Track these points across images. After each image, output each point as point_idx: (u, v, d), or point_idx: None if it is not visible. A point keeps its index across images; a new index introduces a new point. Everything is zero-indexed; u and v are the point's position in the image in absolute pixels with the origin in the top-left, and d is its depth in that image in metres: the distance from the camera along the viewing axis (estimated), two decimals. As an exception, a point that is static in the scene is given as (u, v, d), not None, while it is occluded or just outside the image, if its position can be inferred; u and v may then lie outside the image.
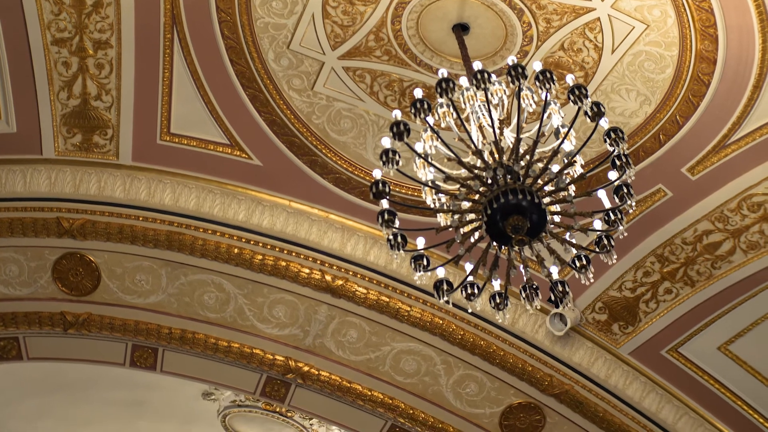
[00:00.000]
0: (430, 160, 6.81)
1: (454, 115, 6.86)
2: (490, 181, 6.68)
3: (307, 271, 10.52)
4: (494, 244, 6.84)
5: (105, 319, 11.02)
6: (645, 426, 11.20)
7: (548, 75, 6.60)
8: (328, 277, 10.54)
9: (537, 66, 6.73)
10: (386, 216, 6.75)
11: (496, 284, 7.06)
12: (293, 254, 10.47)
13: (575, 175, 6.85)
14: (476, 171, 6.73)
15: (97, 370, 12.05)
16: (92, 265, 10.73)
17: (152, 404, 13.29)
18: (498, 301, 6.96)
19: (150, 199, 10.35)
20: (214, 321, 11.08)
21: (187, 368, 11.57)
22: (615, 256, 6.92)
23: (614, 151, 6.55)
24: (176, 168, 10.28)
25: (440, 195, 6.96)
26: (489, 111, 6.71)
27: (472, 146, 6.81)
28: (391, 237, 6.78)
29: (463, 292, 7.00)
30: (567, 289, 6.89)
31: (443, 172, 6.80)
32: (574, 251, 6.85)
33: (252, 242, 10.44)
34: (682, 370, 11.04)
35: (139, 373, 11.86)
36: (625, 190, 6.62)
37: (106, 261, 10.73)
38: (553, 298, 6.99)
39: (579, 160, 6.81)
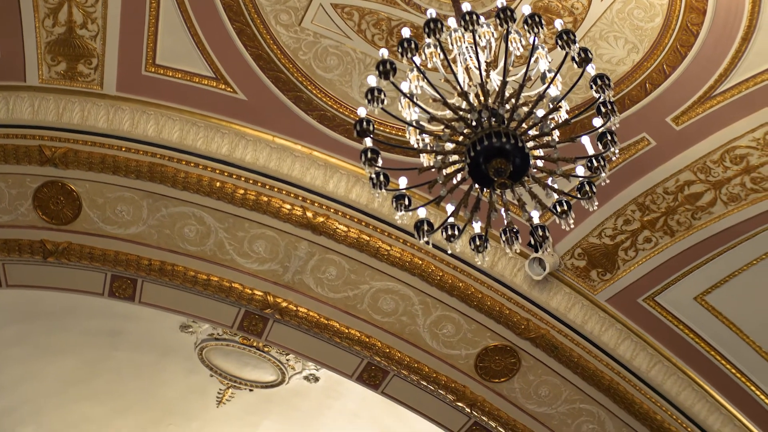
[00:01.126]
0: (415, 100, 6.78)
1: (441, 56, 6.81)
2: (474, 124, 6.65)
3: (288, 206, 10.51)
4: (476, 186, 6.84)
5: (85, 248, 11.01)
6: (619, 372, 11.28)
7: (537, 19, 6.55)
8: (309, 214, 10.54)
9: (526, 10, 6.67)
10: (369, 154, 6.73)
11: (477, 226, 7.06)
12: (275, 190, 10.45)
13: (560, 121, 6.84)
14: (461, 113, 6.70)
15: (75, 299, 12.05)
16: (73, 194, 10.70)
17: (130, 335, 13.32)
18: (478, 243, 6.96)
19: (133, 130, 10.30)
20: (194, 254, 11.08)
21: (165, 300, 11.59)
22: (596, 203, 6.93)
23: (600, 97, 6.53)
24: (160, 99, 10.23)
25: (424, 135, 6.94)
26: (476, 53, 6.67)
27: (458, 88, 6.78)
28: (373, 175, 6.76)
29: (444, 233, 7.00)
30: (547, 234, 6.91)
31: (428, 112, 6.77)
32: (556, 196, 6.85)
33: (234, 176, 10.41)
34: (657, 318, 11.11)
35: (118, 304, 11.88)
36: (609, 138, 6.61)
37: (87, 191, 10.69)
38: (532, 242, 7.01)
39: (564, 105, 6.78)
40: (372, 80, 6.70)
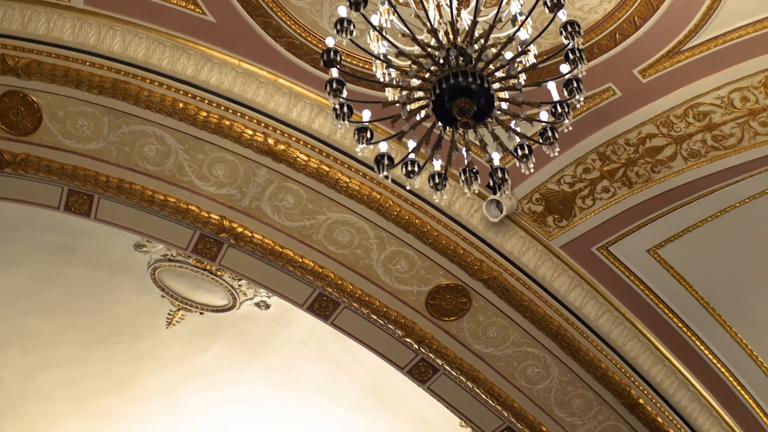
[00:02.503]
0: (384, 33, 6.76)
1: (413, -10, 6.80)
2: (441, 61, 6.65)
3: (250, 132, 10.45)
4: (439, 124, 6.85)
5: (43, 161, 10.91)
6: (567, 319, 11.39)
7: (510, -40, 6.55)
8: (270, 141, 10.49)
9: (500, -50, 6.66)
10: (334, 85, 6.71)
11: (437, 164, 7.07)
12: (238, 114, 10.38)
13: (527, 65, 6.84)
14: (429, 49, 6.69)
15: (30, 211, 11.98)
16: (34, 105, 10.58)
17: (83, 250, 13.28)
18: (437, 181, 6.97)
19: (99, 45, 10.17)
20: (153, 173, 11.02)
21: (121, 218, 11.53)
22: (557, 149, 6.96)
23: (569, 44, 6.54)
24: (128, 16, 10.08)
25: (391, 70, 6.93)
26: (448, -10, 6.66)
27: (428, 24, 6.76)
28: (337, 106, 6.75)
29: (404, 168, 7.01)
30: (506, 177, 6.95)
31: (396, 47, 6.75)
32: (518, 140, 6.88)
33: (198, 98, 10.32)
34: (610, 268, 11.20)
35: (73, 219, 11.81)
36: (575, 85, 6.62)
37: (48, 103, 10.58)
38: (491, 184, 7.04)
39: (533, 49, 6.79)
40: (342, 11, 6.65)
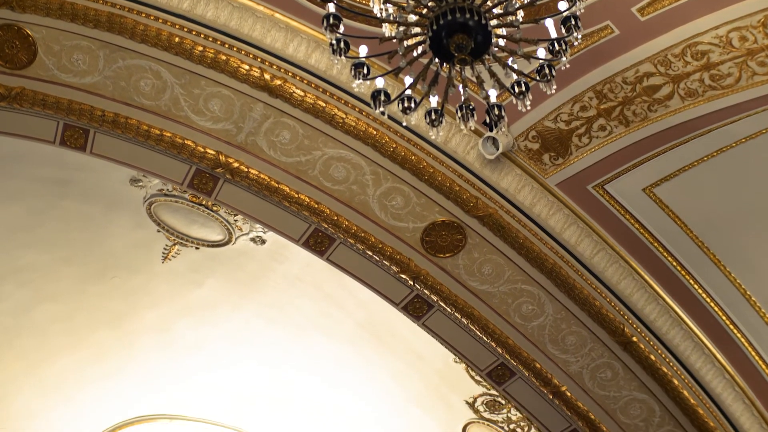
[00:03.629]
0: (381, -32, 6.72)
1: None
2: (439, -3, 6.63)
3: (246, 67, 10.40)
4: (436, 60, 6.83)
5: (38, 95, 10.87)
6: (562, 257, 11.43)
7: None
8: (266, 76, 10.43)
9: None
10: (332, 20, 6.68)
11: (433, 101, 7.07)
12: (234, 49, 10.33)
13: (525, 1, 6.81)
14: (427, -15, 6.66)
15: (26, 145, 11.94)
16: (29, 39, 10.52)
17: (79, 185, 13.25)
18: (433, 117, 6.99)
19: (93, -22, 10.12)
20: (149, 108, 10.98)
21: (117, 153, 11.51)
22: (554, 87, 6.96)
23: (567, -20, 6.51)
24: (123, -51, 10.03)
25: (388, 5, 6.90)
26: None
27: (426, -41, 6.72)
28: (334, 42, 6.73)
29: (400, 104, 7.01)
30: (503, 114, 6.94)
31: (393, -19, 6.72)
32: (515, 77, 6.87)
33: (194, 32, 10.26)
34: (605, 207, 11.21)
35: (68, 153, 11.79)
36: (573, 22, 6.61)
37: (44, 37, 10.51)
38: (488, 121, 7.06)
39: (531, -15, 6.76)
40: (339, -56, 6.61)
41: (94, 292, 14.76)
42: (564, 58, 6.79)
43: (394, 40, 6.95)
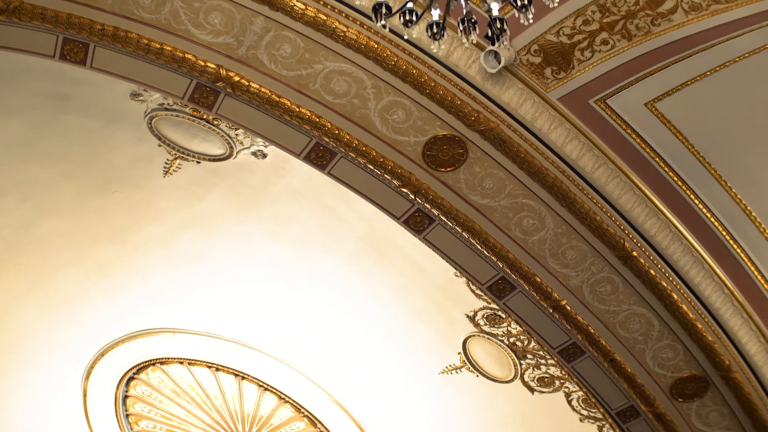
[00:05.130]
0: None
1: None
2: None
3: (246, -21, 10.35)
4: (438, -29, 6.78)
5: (37, 8, 10.78)
6: (563, 171, 11.43)
7: None
8: (267, -13, 10.39)
9: None
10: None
11: (435, 14, 7.02)
12: (234, -39, 10.28)
13: None
14: None
15: (25, 60, 11.88)
16: (27, -50, 10.46)
17: (79, 99, 13.21)
18: (435, 30, 6.94)
19: None
20: (149, 22, 10.90)
21: (117, 67, 11.46)
22: (557, 0, 6.90)
23: None
24: None
25: None
26: None
27: None
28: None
29: (402, 17, 6.96)
30: (505, 27, 6.89)
31: None
32: (517, -11, 6.82)
33: (193, -56, 10.20)
34: (607, 121, 11.19)
35: (69, 68, 11.73)
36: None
37: (41, -53, 10.44)
38: (490, 34, 7.01)
39: None
40: None
41: (95, 206, 14.79)
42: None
43: (396, -48, 6.91)
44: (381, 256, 14.71)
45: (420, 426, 17.65)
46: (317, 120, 11.30)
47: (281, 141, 11.85)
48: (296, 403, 17.87)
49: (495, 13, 6.93)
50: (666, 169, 11.43)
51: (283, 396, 17.83)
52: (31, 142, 13.91)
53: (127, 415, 18.66)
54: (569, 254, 12.14)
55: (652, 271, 12.06)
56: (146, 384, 18.02)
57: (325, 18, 10.53)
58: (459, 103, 10.99)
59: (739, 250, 11.93)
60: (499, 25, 6.86)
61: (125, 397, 18.35)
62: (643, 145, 11.29)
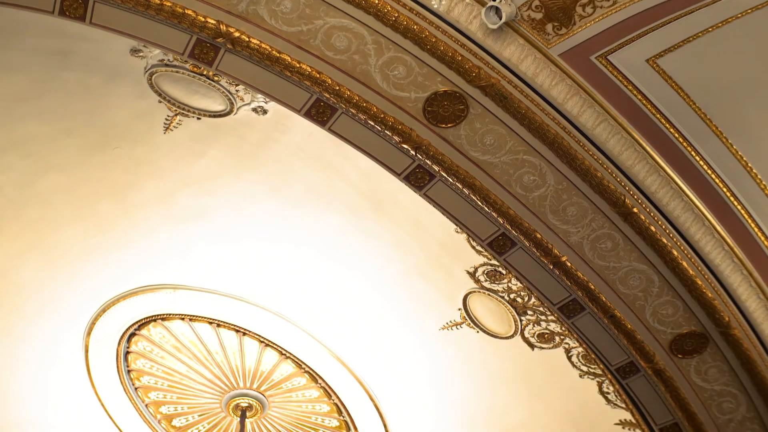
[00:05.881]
0: None
1: None
2: None
3: (245, -67, 10.29)
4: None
5: (33, -38, 10.78)
6: (564, 127, 11.42)
7: None
8: (266, -58, 10.34)
9: None
10: None
11: (436, -33, 7.00)
12: None
13: None
14: None
15: (25, 16, 11.82)
16: None
17: (79, 55, 13.16)
18: (436, -16, 6.92)
19: None
20: (148, -24, 10.89)
21: (117, 22, 11.41)
22: (559, -47, 6.88)
23: None
24: None
25: None
26: None
27: None
28: None
29: (402, -29, 6.95)
30: (506, -19, 6.88)
31: None
32: (519, -58, 6.79)
33: None
34: (608, 77, 11.17)
35: (68, 24, 11.67)
36: None
37: None
38: (491, -12, 6.98)
39: None
40: None
41: (96, 162, 14.79)
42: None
43: None
44: (381, 213, 14.72)
45: (420, 382, 17.75)
46: (318, 76, 11.28)
47: (282, 97, 11.83)
48: (297, 358, 17.96)
49: (496, -33, 6.92)
50: (667, 125, 11.43)
51: (284, 352, 17.91)
52: (32, 98, 13.89)
53: (129, 371, 18.76)
54: (570, 210, 12.16)
55: (653, 228, 12.08)
56: (147, 340, 18.10)
57: (325, -27, 10.53)
58: (460, 59, 10.96)
59: (739, 207, 11.95)
60: (500, -20, 6.85)
61: (127, 353, 18.43)
62: (644, 102, 11.28)
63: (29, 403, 19.04)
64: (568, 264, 12.56)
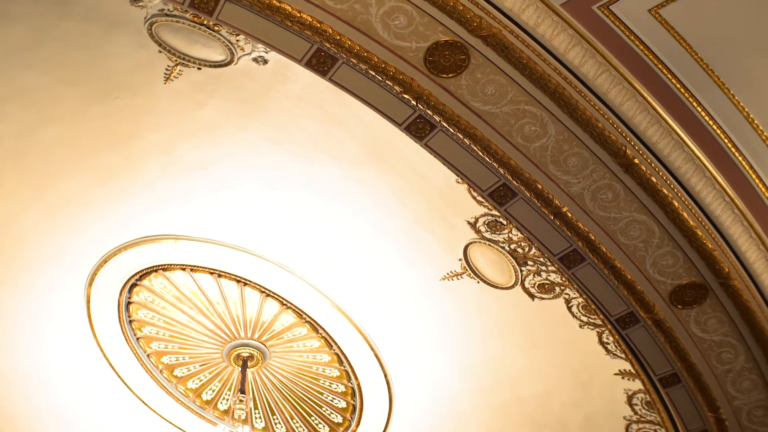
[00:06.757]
0: None
1: None
2: None
3: None
4: None
5: None
6: (566, 78, 11.40)
7: None
8: None
9: None
10: None
11: None
12: None
13: None
14: None
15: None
16: None
17: (79, 5, 13.08)
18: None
19: None
20: (146, -77, 10.83)
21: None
22: None
23: None
24: None
25: None
26: None
27: None
28: None
29: None
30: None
31: None
32: None
33: None
34: (610, 28, 11.12)
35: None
36: None
37: None
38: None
39: None
40: None
41: (96, 113, 14.75)
42: None
43: None
44: (382, 163, 14.72)
45: (421, 332, 17.83)
46: (318, 26, 11.23)
47: (282, 47, 11.78)
48: (298, 309, 18.03)
49: None
50: (669, 76, 11.40)
51: (285, 302, 17.97)
52: (31, 48, 13.83)
53: (130, 321, 18.84)
54: (571, 161, 12.16)
55: (654, 179, 12.08)
56: (149, 290, 18.16)
57: (324, -77, 10.46)
58: (461, 8, 10.91)
59: (740, 158, 11.94)
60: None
61: (128, 303, 18.50)
62: (646, 52, 11.24)
63: (31, 353, 19.14)
64: (569, 214, 12.58)
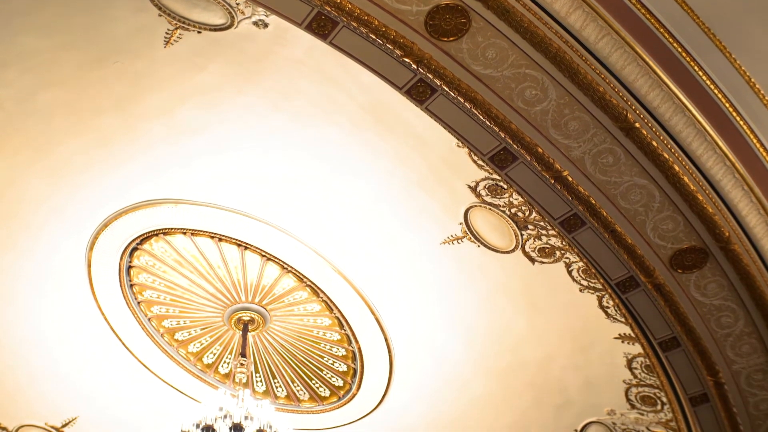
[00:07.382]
0: None
1: None
2: None
3: None
4: None
5: None
6: (567, 41, 11.37)
7: None
8: None
9: None
10: None
11: None
12: None
13: None
14: None
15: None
16: None
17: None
18: None
19: None
20: None
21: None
22: None
23: None
24: None
25: None
26: None
27: None
28: None
29: None
30: None
31: None
32: None
33: None
34: (611, -9, 11.12)
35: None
36: None
37: None
38: None
39: None
40: None
41: (96, 76, 14.71)
42: None
43: None
44: (383, 127, 14.69)
45: (421, 296, 17.87)
46: (318, -13, 11.23)
47: (282, 10, 11.74)
48: (299, 272, 18.06)
49: None
50: (670, 39, 11.37)
51: (285, 266, 18.00)
52: (31, 12, 13.77)
53: (131, 285, 18.88)
54: (571, 125, 12.15)
55: (654, 143, 12.08)
56: (150, 254, 18.18)
57: None
58: (462, -29, 10.92)
59: (741, 122, 11.94)
60: None
61: (129, 267, 18.53)
62: (647, 16, 11.21)
63: (32, 316, 19.19)
64: (569, 178, 12.59)
